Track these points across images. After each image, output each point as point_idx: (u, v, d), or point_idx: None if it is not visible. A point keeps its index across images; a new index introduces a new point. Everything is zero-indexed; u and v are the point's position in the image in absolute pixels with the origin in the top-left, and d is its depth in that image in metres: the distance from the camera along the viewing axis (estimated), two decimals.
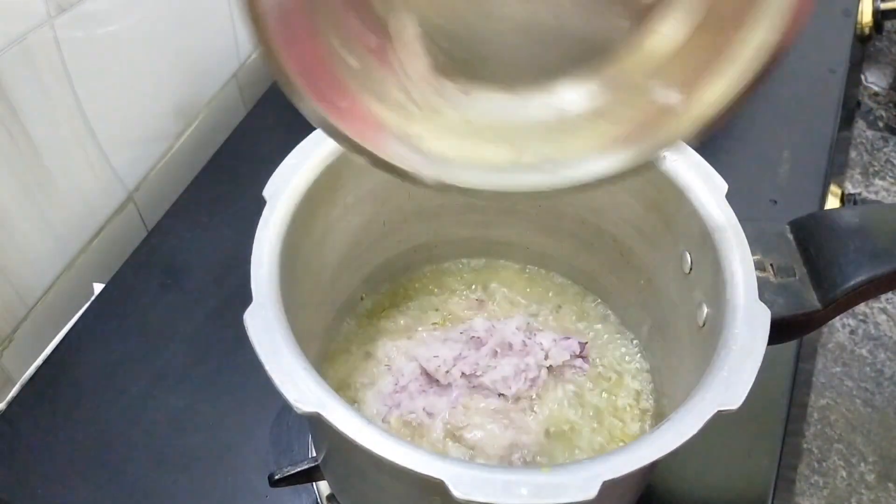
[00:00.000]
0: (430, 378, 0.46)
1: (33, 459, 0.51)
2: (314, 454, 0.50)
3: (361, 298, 0.51)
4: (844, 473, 1.10)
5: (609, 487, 0.29)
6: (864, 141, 1.60)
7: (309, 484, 0.48)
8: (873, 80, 1.71)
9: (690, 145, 0.41)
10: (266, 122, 0.73)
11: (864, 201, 1.44)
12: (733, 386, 0.32)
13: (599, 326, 0.51)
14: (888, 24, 0.94)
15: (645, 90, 0.29)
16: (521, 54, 0.30)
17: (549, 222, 0.50)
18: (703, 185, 0.39)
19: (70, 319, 0.58)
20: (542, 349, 0.46)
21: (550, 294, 0.53)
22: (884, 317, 1.28)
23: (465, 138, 0.31)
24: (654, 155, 0.30)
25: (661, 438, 0.31)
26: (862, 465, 1.11)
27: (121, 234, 0.67)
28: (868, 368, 1.22)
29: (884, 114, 1.65)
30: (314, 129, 0.41)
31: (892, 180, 1.53)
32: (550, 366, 0.46)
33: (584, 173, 0.30)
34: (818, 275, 0.39)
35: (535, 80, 0.30)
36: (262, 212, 0.37)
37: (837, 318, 0.39)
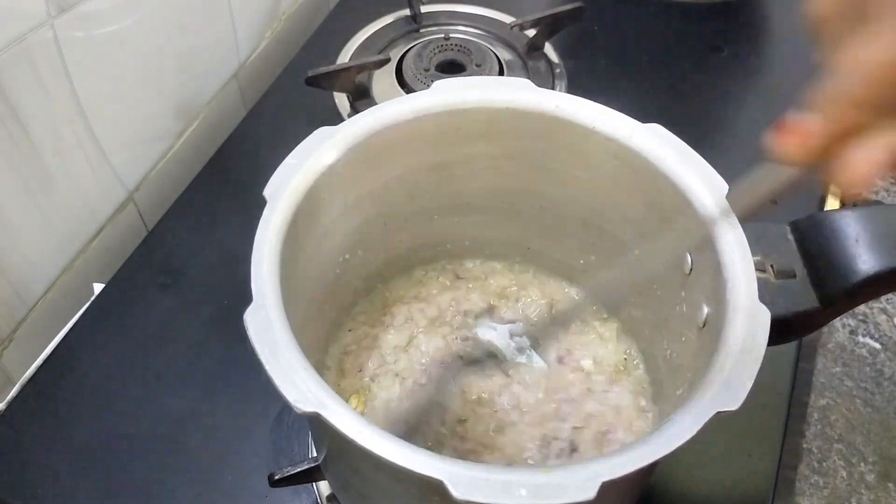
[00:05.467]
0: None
1: (33, 459, 0.51)
2: (314, 454, 0.50)
3: (362, 298, 0.51)
4: (844, 473, 1.10)
5: (608, 488, 0.29)
6: None
7: (309, 484, 0.48)
8: None
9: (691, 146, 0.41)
10: (266, 122, 0.73)
11: (865, 201, 1.44)
12: (733, 387, 0.32)
13: (599, 326, 0.51)
14: None
15: None
16: None
17: (549, 222, 0.50)
18: (703, 185, 0.39)
19: (70, 319, 0.58)
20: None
21: (551, 294, 0.53)
22: (884, 317, 1.28)
23: None
24: None
25: (660, 438, 0.31)
26: (862, 465, 1.11)
27: (121, 234, 0.67)
28: (868, 368, 1.22)
29: None
30: (314, 129, 0.41)
31: (893, 180, 1.52)
32: None
33: None
34: (818, 276, 0.39)
35: None
36: (262, 212, 0.37)
37: (837, 318, 0.39)
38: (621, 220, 0.46)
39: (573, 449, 0.45)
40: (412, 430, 0.44)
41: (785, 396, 0.54)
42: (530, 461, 0.44)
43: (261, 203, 0.38)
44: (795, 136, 0.25)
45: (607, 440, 0.45)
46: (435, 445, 0.44)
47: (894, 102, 0.24)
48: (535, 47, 0.76)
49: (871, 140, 0.24)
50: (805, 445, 1.12)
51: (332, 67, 0.68)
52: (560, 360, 0.49)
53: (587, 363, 0.49)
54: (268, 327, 0.33)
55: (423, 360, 0.48)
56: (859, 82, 0.24)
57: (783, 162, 0.26)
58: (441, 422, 0.45)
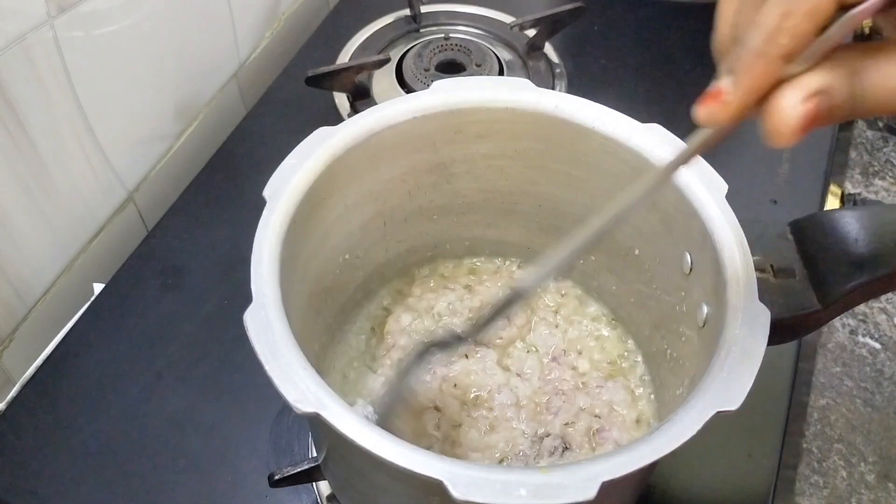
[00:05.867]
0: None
1: (33, 459, 0.51)
2: (314, 454, 0.50)
3: (361, 298, 0.51)
4: (844, 473, 1.10)
5: (608, 488, 0.29)
6: (864, 141, 1.60)
7: (309, 484, 0.48)
8: None
9: None
10: (266, 122, 0.73)
11: (864, 201, 1.44)
12: (733, 387, 0.32)
13: (599, 326, 0.51)
14: None
15: None
16: None
17: (549, 222, 0.50)
18: (703, 185, 0.39)
19: (70, 319, 0.58)
20: None
21: (551, 294, 0.53)
22: (884, 317, 1.28)
23: None
24: None
25: (660, 438, 0.31)
26: (862, 465, 1.11)
27: (121, 234, 0.67)
28: (868, 368, 1.22)
29: None
30: (314, 128, 0.41)
31: (892, 180, 1.52)
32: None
33: None
34: (818, 275, 0.39)
35: None
36: (262, 212, 0.37)
37: (837, 317, 0.39)
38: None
39: (566, 447, 0.45)
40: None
41: (785, 396, 0.54)
42: (521, 455, 0.44)
43: (261, 203, 0.38)
44: (715, 100, 0.26)
45: (602, 438, 0.45)
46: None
47: (803, 47, 0.25)
48: (535, 47, 0.76)
49: (789, 88, 0.25)
50: (805, 445, 1.12)
51: (332, 67, 0.68)
52: (556, 359, 0.49)
53: (584, 362, 0.49)
54: (267, 327, 0.33)
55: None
56: (766, 37, 0.25)
57: (709, 125, 0.27)
58: (436, 426, 0.45)
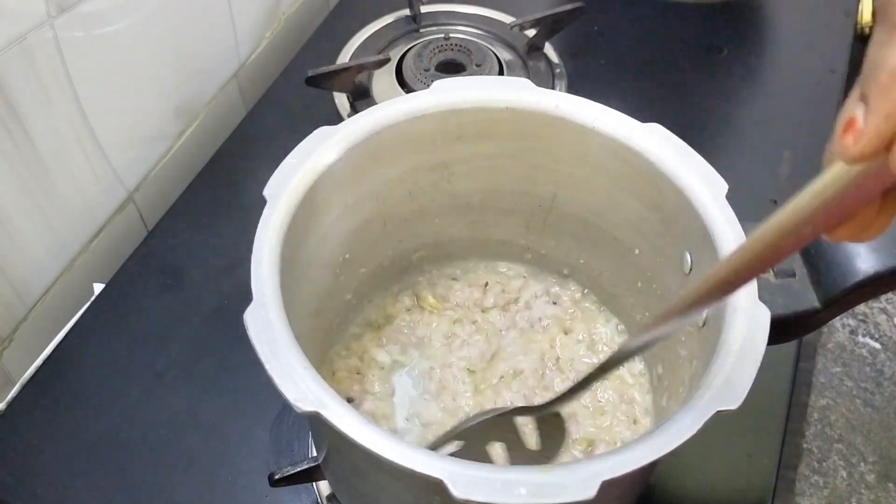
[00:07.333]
0: None
1: (33, 459, 0.51)
2: (314, 454, 0.50)
3: (362, 297, 0.51)
4: (844, 473, 1.10)
5: (608, 487, 0.29)
6: None
7: (309, 484, 0.48)
8: None
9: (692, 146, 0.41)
10: (266, 122, 0.73)
11: None
12: (733, 386, 0.32)
13: (599, 326, 0.51)
14: None
15: None
16: None
17: (549, 222, 0.50)
18: (703, 185, 0.39)
19: (70, 319, 0.58)
20: None
21: (551, 294, 0.53)
22: (884, 317, 1.28)
23: None
24: None
25: (660, 438, 0.31)
26: (862, 465, 1.11)
27: (121, 234, 0.67)
28: (868, 368, 1.22)
29: None
30: (314, 129, 0.41)
31: None
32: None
33: None
34: (818, 275, 0.39)
35: None
36: (262, 212, 0.37)
37: (837, 318, 0.39)
38: (621, 219, 0.46)
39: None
40: None
41: (785, 396, 0.54)
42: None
43: (261, 203, 0.38)
44: (847, 130, 0.21)
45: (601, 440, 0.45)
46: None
47: None
48: (535, 47, 0.76)
49: None
50: (805, 445, 1.12)
51: (332, 67, 0.68)
52: (557, 362, 0.49)
53: (583, 361, 0.49)
54: (268, 326, 0.33)
55: (423, 360, 0.48)
56: None
57: (842, 160, 0.22)
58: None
